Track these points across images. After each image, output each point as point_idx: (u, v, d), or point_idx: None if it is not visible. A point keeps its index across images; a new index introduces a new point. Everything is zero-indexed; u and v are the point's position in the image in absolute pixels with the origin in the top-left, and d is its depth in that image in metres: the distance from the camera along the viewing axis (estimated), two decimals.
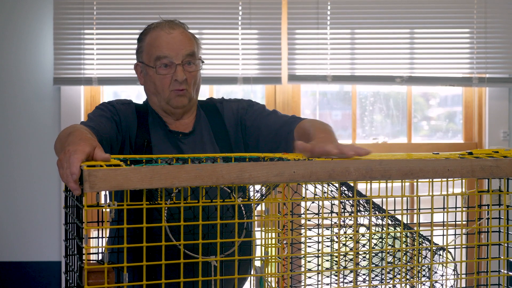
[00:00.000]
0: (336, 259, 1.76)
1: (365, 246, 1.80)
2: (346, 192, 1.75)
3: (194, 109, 2.18)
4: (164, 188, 1.47)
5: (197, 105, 2.21)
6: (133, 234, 1.57)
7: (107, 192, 1.40)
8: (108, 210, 1.44)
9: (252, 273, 1.86)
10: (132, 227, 1.43)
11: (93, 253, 1.59)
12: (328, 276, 1.82)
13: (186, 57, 2.08)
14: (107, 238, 2.02)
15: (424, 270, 1.85)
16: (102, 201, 1.45)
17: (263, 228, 1.68)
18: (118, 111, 2.08)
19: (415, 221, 1.66)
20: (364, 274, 1.84)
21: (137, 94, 3.91)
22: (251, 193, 1.67)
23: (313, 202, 1.66)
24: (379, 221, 1.81)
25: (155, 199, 1.58)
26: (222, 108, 2.19)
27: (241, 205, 1.74)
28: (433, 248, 1.82)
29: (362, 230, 1.78)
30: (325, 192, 1.64)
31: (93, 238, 1.64)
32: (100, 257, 1.55)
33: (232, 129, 2.15)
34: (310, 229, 1.75)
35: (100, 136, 1.92)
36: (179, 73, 2.07)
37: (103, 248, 1.46)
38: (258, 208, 1.78)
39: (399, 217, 1.83)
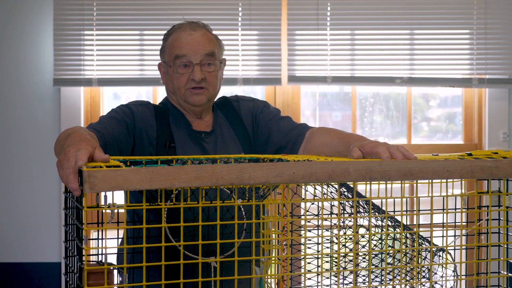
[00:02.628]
0: (336, 260, 1.76)
1: (365, 247, 1.80)
2: (346, 193, 1.75)
3: (211, 108, 2.21)
4: (164, 190, 1.47)
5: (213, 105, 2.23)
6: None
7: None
8: (109, 211, 1.44)
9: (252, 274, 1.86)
10: (132, 228, 1.43)
11: (93, 254, 1.59)
12: (328, 277, 1.82)
13: (205, 57, 2.11)
14: (121, 239, 2.02)
15: (424, 271, 1.85)
16: (103, 202, 1.45)
17: (263, 230, 1.68)
18: (133, 113, 2.08)
19: (414, 222, 1.66)
20: (364, 275, 1.84)
21: (137, 95, 3.91)
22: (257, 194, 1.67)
23: (312, 203, 1.66)
24: (379, 222, 1.81)
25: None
26: (239, 106, 2.22)
27: (241, 206, 1.74)
28: (433, 249, 1.82)
29: (361, 231, 1.78)
30: (324, 193, 1.64)
31: (93, 239, 1.64)
32: (104, 259, 1.55)
33: (249, 126, 2.19)
34: (309, 230, 1.75)
35: (104, 139, 1.92)
36: (196, 73, 2.09)
37: (106, 249, 1.46)
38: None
39: (398, 218, 1.83)
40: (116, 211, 1.41)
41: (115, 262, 1.57)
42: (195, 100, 2.11)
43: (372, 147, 1.64)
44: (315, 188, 1.65)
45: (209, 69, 2.12)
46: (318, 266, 1.75)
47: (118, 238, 1.73)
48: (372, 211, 1.76)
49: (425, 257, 1.87)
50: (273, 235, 1.70)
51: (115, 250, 1.83)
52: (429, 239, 1.80)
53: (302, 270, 1.65)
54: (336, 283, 1.68)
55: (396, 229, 1.82)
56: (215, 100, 2.26)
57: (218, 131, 2.16)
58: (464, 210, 1.67)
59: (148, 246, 1.42)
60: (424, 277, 1.84)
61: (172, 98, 2.17)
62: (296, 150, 2.07)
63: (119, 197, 1.43)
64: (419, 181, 1.58)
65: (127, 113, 2.08)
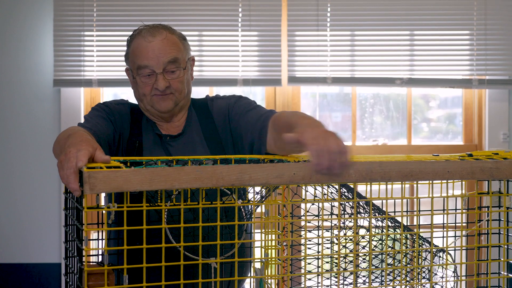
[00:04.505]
0: (336, 261, 1.76)
1: (365, 248, 1.80)
2: (346, 194, 1.75)
3: (185, 111, 2.16)
4: (164, 190, 1.47)
5: (190, 105, 2.19)
6: (130, 237, 1.56)
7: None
8: (106, 212, 1.44)
9: (251, 275, 1.86)
10: (129, 229, 1.43)
11: (93, 255, 1.59)
12: (328, 278, 1.82)
13: (167, 64, 2.06)
14: (106, 240, 2.02)
15: (424, 272, 1.85)
16: (102, 203, 1.45)
17: (263, 230, 1.68)
18: (112, 111, 2.08)
19: (415, 223, 1.66)
20: (364, 276, 1.84)
21: None
22: (250, 195, 1.67)
23: (313, 204, 1.66)
24: (379, 223, 1.81)
25: (155, 201, 1.58)
26: (212, 105, 2.17)
27: (241, 207, 1.74)
28: (433, 249, 1.82)
29: (362, 232, 1.78)
30: (325, 194, 1.64)
31: (93, 240, 1.64)
32: (100, 259, 1.55)
33: (221, 127, 2.12)
34: (310, 231, 1.75)
35: (98, 137, 1.93)
36: (159, 82, 2.05)
37: (103, 250, 1.46)
38: (258, 210, 1.78)
39: (399, 219, 1.83)
40: (103, 212, 1.41)
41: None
42: (162, 106, 2.07)
43: (307, 140, 1.46)
44: (315, 189, 1.65)
45: (173, 76, 2.07)
46: (318, 267, 1.75)
47: (103, 239, 1.72)
48: (373, 211, 1.76)
49: (425, 258, 1.87)
50: (273, 235, 1.69)
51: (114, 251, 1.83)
52: (429, 239, 1.80)
53: (302, 271, 1.65)
54: (336, 283, 1.68)
55: (397, 230, 1.82)
56: (196, 99, 2.21)
57: (188, 134, 2.12)
58: (464, 211, 1.67)
59: (148, 247, 1.42)
60: (424, 277, 1.84)
61: (140, 105, 2.14)
62: (265, 144, 1.95)
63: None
64: (419, 182, 1.58)
65: (108, 111, 2.08)
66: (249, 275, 1.99)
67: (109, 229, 1.47)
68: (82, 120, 3.35)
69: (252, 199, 1.71)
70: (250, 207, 1.79)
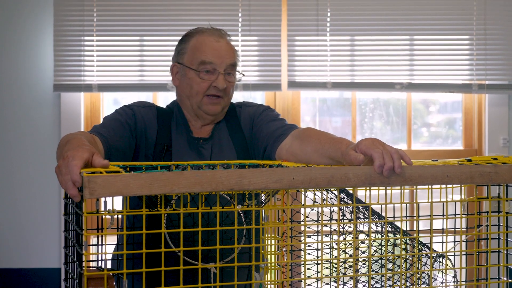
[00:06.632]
0: (336, 266, 1.76)
1: (365, 253, 1.80)
2: (346, 199, 1.75)
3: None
4: (164, 195, 1.47)
5: None
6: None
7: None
8: (109, 217, 1.44)
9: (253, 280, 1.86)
10: (134, 234, 1.44)
11: (92, 260, 1.59)
12: (327, 283, 1.82)
13: (229, 67, 2.11)
14: (115, 245, 2.02)
15: (424, 277, 1.85)
16: (102, 208, 1.45)
17: (262, 236, 1.68)
18: (135, 115, 2.09)
19: (414, 228, 1.66)
20: (363, 281, 1.84)
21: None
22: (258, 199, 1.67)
23: (312, 209, 1.66)
24: (379, 228, 1.81)
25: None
26: (240, 112, 2.21)
27: (241, 212, 1.74)
28: (433, 255, 1.82)
29: (361, 237, 1.78)
30: (324, 199, 1.64)
31: (92, 245, 1.64)
32: (104, 264, 1.55)
33: (247, 132, 2.16)
34: (309, 236, 1.75)
35: (107, 143, 1.93)
36: (220, 81, 2.09)
37: (106, 255, 1.46)
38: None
39: (398, 224, 1.83)
40: (115, 216, 1.41)
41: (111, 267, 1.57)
42: (211, 109, 2.10)
43: (367, 147, 1.55)
44: (314, 194, 1.65)
45: (230, 79, 2.12)
46: (318, 272, 1.75)
47: (103, 244, 1.72)
48: (372, 217, 1.76)
49: (425, 263, 1.87)
50: (273, 241, 1.70)
51: (114, 256, 1.83)
52: (429, 245, 1.80)
53: (302, 276, 1.65)
54: None
55: (396, 234, 1.82)
56: None
57: (216, 138, 2.15)
58: (464, 216, 1.67)
59: (149, 252, 1.42)
60: (424, 283, 1.84)
61: (184, 103, 2.15)
62: (275, 149, 2.00)
63: (117, 202, 1.43)
64: (418, 186, 1.58)
65: (130, 115, 2.08)
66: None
67: (109, 233, 1.47)
68: (83, 125, 3.34)
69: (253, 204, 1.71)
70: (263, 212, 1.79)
